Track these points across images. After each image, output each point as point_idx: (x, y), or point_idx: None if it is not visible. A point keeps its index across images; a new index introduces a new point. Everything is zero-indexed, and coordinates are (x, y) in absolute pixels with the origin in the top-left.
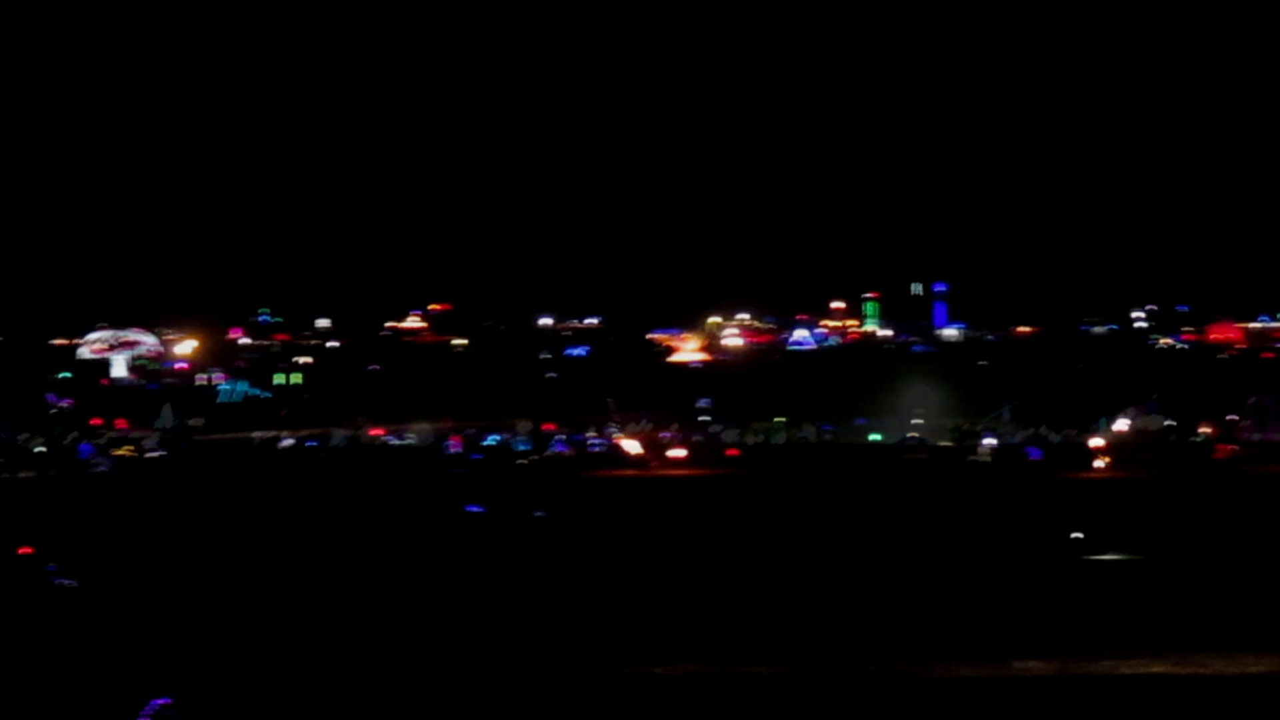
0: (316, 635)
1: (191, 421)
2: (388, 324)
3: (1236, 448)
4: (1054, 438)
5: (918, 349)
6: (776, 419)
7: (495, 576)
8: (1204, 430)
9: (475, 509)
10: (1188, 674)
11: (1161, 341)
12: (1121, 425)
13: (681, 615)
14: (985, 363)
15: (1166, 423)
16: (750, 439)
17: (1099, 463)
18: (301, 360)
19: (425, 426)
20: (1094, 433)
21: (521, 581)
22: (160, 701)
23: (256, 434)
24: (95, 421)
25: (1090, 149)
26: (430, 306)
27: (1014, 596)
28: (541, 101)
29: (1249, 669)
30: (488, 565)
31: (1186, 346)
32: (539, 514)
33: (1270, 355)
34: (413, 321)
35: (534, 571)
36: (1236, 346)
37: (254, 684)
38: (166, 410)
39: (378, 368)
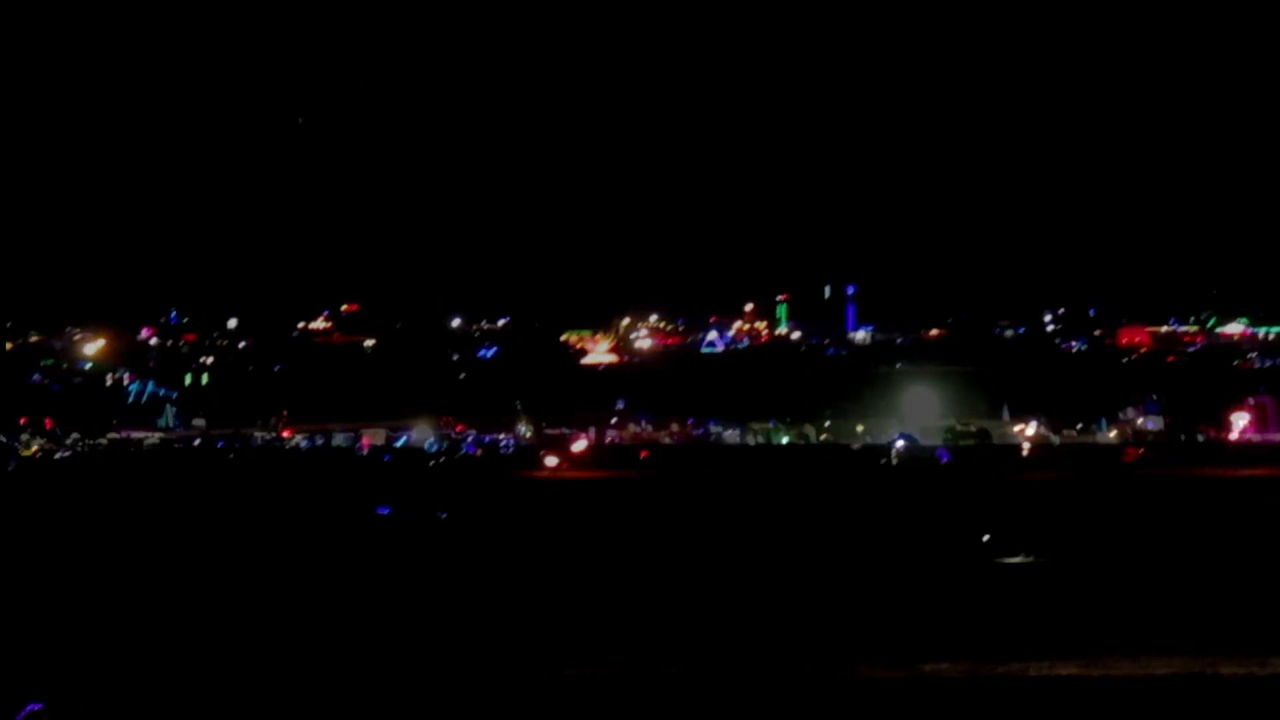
0: (198, 643)
1: (196, 422)
2: (299, 324)
3: (1144, 450)
4: (1055, 439)
5: (831, 351)
6: (776, 421)
7: (398, 578)
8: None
9: (384, 510)
10: (1096, 675)
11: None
12: (1145, 424)
13: (584, 616)
14: (900, 365)
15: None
16: (751, 440)
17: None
18: (210, 360)
19: (338, 427)
20: (1094, 433)
21: (423, 583)
22: (33, 707)
23: (159, 433)
24: (23, 420)
25: (1000, 152)
26: (341, 307)
27: (924, 599)
28: (448, 100)
29: (1155, 671)
30: (392, 567)
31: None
32: (443, 515)
33: (1173, 358)
34: (323, 322)
35: (436, 573)
36: (1143, 349)
37: (128, 692)
38: (169, 411)
39: (283, 368)
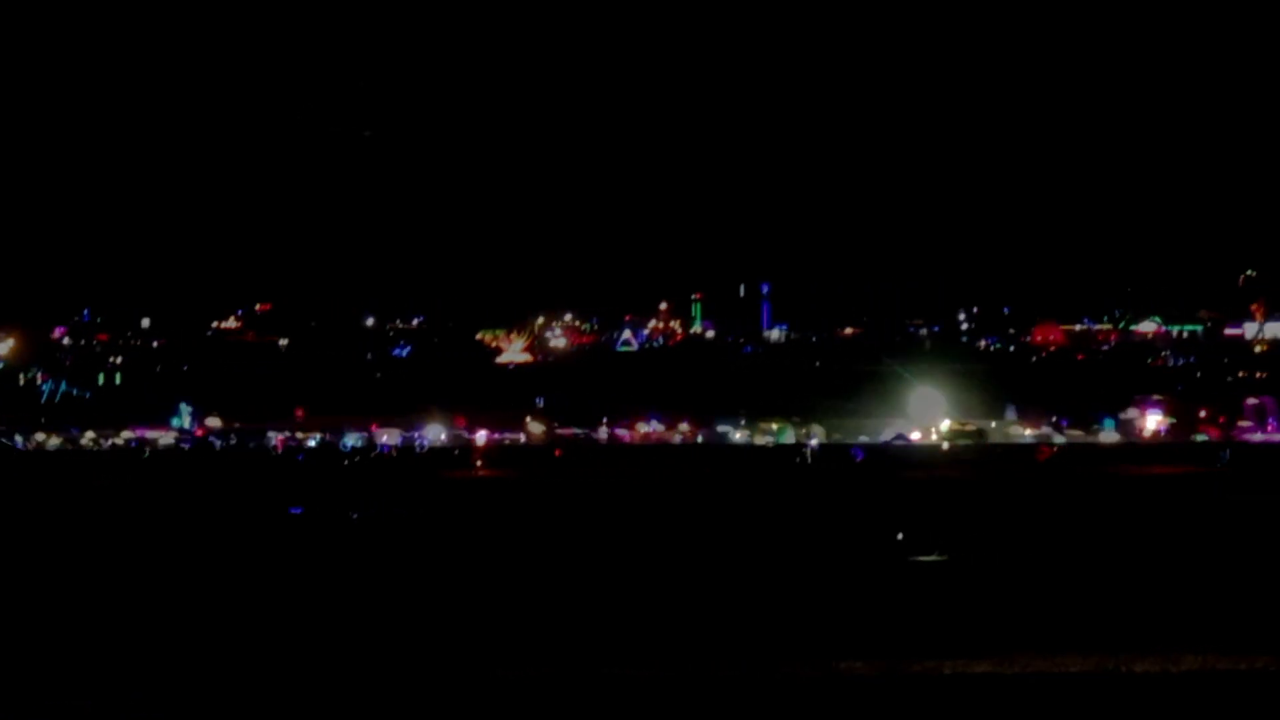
0: (98, 643)
1: (209, 420)
2: (212, 324)
3: (1055, 449)
4: (1059, 438)
5: (748, 349)
6: (781, 419)
7: (311, 579)
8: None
9: (297, 510)
10: (1010, 674)
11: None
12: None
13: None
14: (818, 364)
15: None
16: (759, 439)
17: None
18: (121, 359)
19: (251, 427)
20: (1097, 432)
21: (336, 583)
22: None
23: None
24: None
25: (914, 150)
26: (254, 306)
27: (838, 598)
28: (359, 101)
29: (1069, 669)
30: (305, 568)
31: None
32: (355, 515)
33: (1083, 356)
34: (235, 321)
35: (349, 573)
36: (1053, 346)
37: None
38: (184, 409)
39: (189, 367)
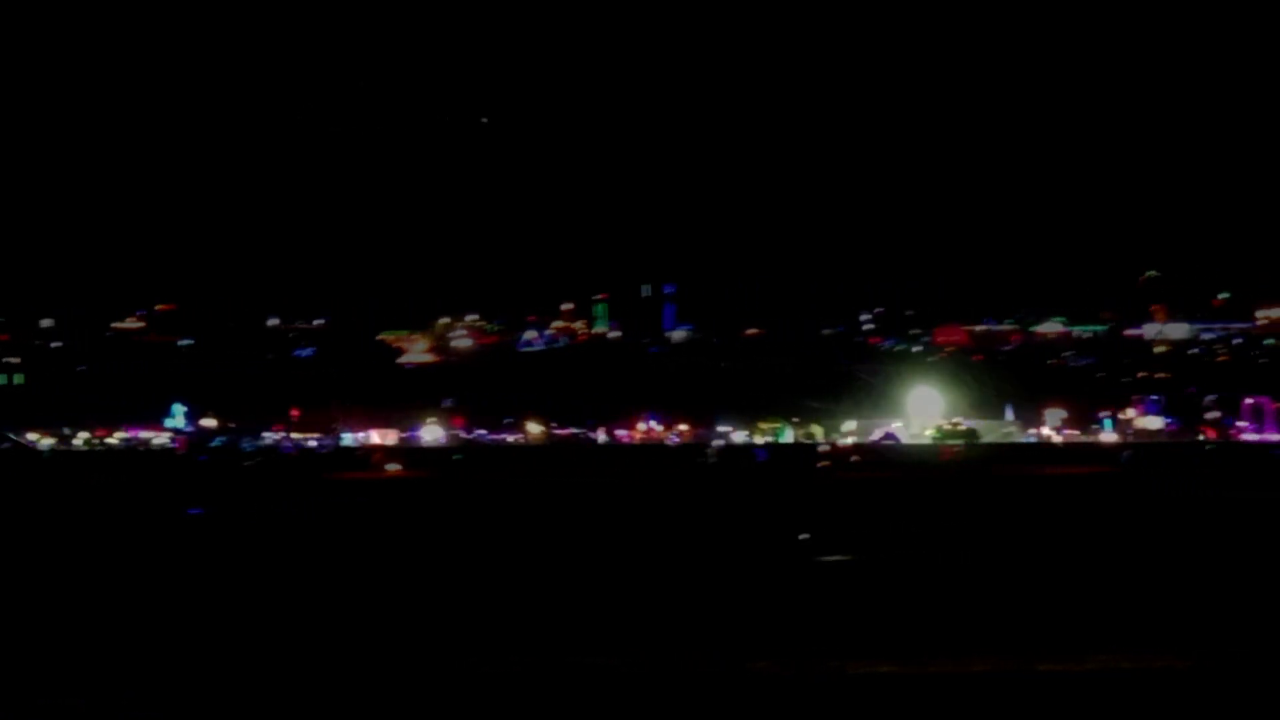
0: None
1: (204, 421)
2: (113, 324)
3: (961, 448)
4: (1056, 438)
5: (654, 350)
6: (781, 420)
7: (209, 580)
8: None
9: (195, 511)
10: (915, 674)
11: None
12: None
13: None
14: (725, 364)
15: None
16: (759, 438)
17: (822, 464)
18: (19, 360)
19: (153, 427)
20: (1097, 432)
21: (234, 583)
22: None
23: None
24: None
25: (817, 154)
26: (155, 307)
27: (744, 598)
28: (269, 104)
29: (974, 669)
30: (203, 569)
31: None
32: (264, 515)
33: (981, 357)
34: (136, 321)
35: (246, 574)
36: (953, 347)
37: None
38: (178, 409)
39: (87, 368)
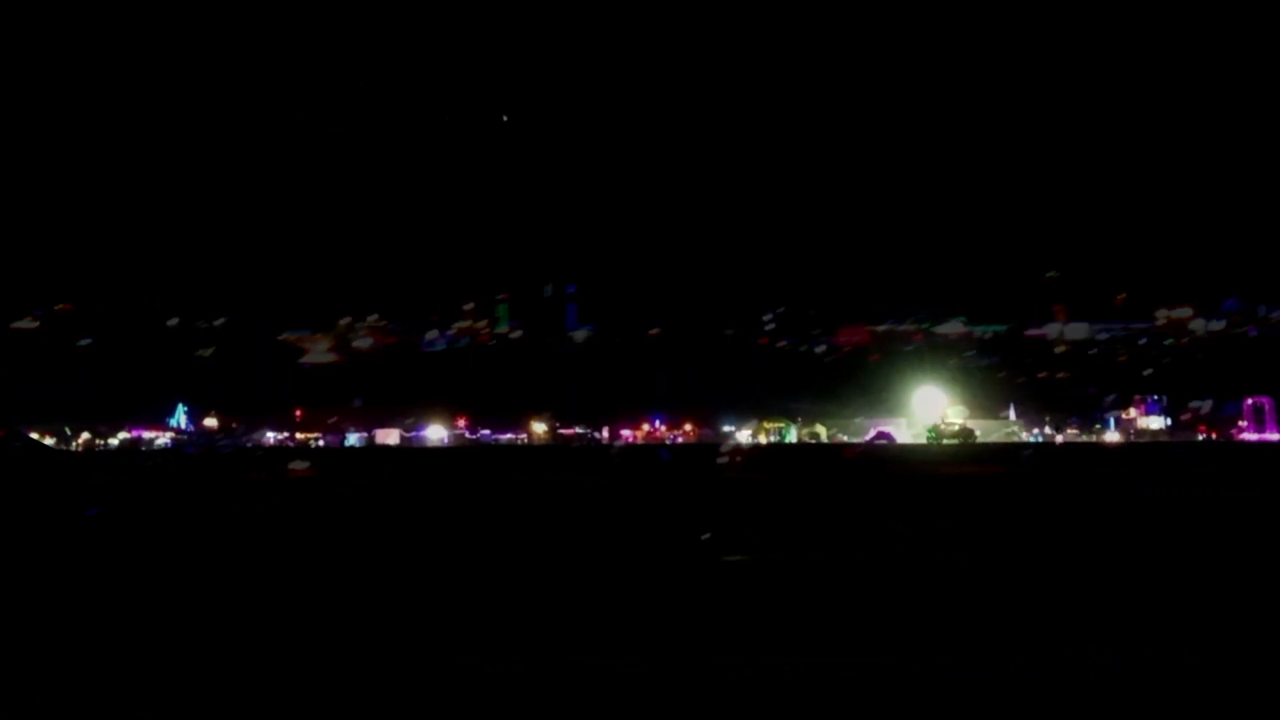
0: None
1: (206, 421)
2: (12, 324)
3: (863, 448)
4: (1059, 437)
5: (559, 350)
6: (784, 420)
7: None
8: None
9: (93, 512)
10: (837, 671)
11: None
12: (1152, 423)
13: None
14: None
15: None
16: (763, 438)
17: (723, 459)
18: None
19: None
20: (1098, 432)
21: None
22: None
23: None
24: None
25: (718, 151)
26: (54, 306)
27: (651, 597)
28: (160, 104)
29: (860, 669)
30: (98, 569)
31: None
32: (161, 515)
33: (877, 358)
34: (31, 322)
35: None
36: (847, 349)
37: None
38: (180, 410)
39: None
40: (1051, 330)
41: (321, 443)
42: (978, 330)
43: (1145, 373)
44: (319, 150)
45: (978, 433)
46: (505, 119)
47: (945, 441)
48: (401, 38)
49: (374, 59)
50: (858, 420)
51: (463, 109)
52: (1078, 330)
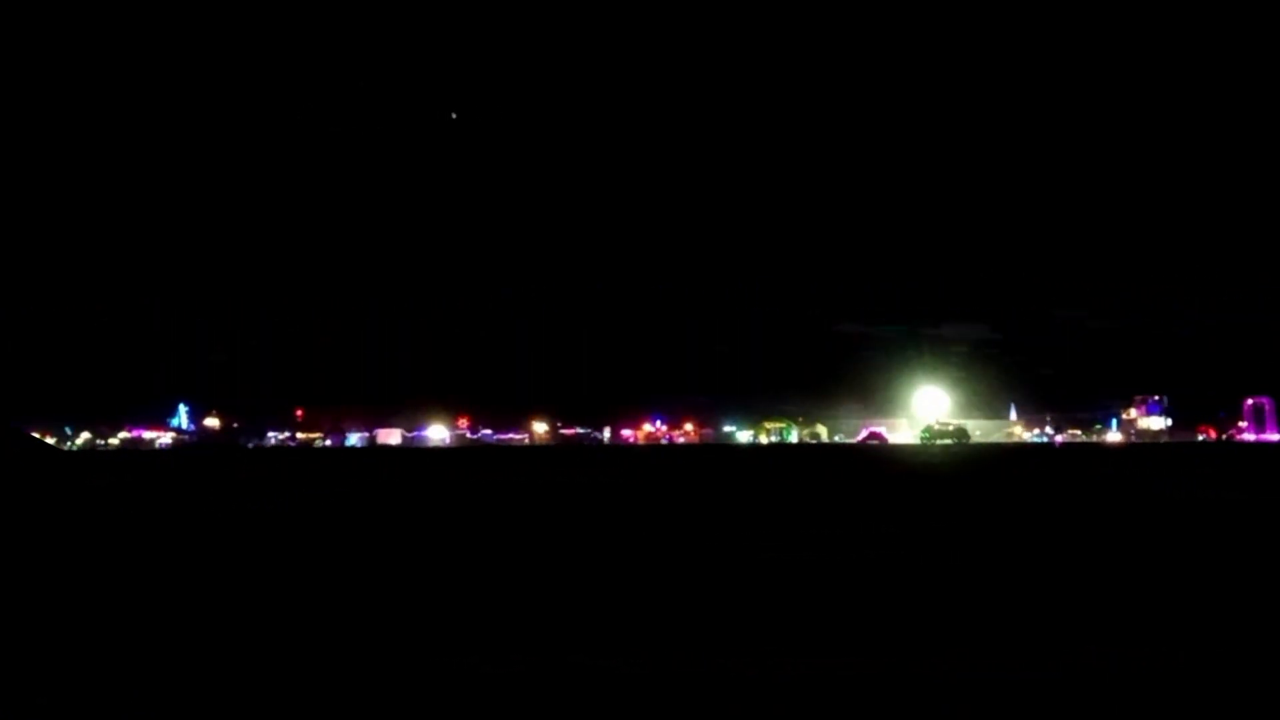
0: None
1: (207, 421)
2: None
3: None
4: (1059, 437)
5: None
6: (786, 420)
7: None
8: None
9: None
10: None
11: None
12: (1153, 423)
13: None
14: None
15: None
16: (764, 438)
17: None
18: None
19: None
20: (1099, 432)
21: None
22: None
23: None
24: None
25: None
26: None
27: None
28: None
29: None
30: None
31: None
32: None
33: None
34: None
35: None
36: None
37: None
38: (181, 410)
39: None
40: (1052, 330)
41: (323, 443)
42: (978, 331)
43: (1145, 373)
44: (320, 150)
45: (978, 433)
46: (495, 116)
47: (939, 441)
48: (401, 38)
49: (374, 59)
50: (854, 421)
51: (466, 109)
52: (1078, 330)
